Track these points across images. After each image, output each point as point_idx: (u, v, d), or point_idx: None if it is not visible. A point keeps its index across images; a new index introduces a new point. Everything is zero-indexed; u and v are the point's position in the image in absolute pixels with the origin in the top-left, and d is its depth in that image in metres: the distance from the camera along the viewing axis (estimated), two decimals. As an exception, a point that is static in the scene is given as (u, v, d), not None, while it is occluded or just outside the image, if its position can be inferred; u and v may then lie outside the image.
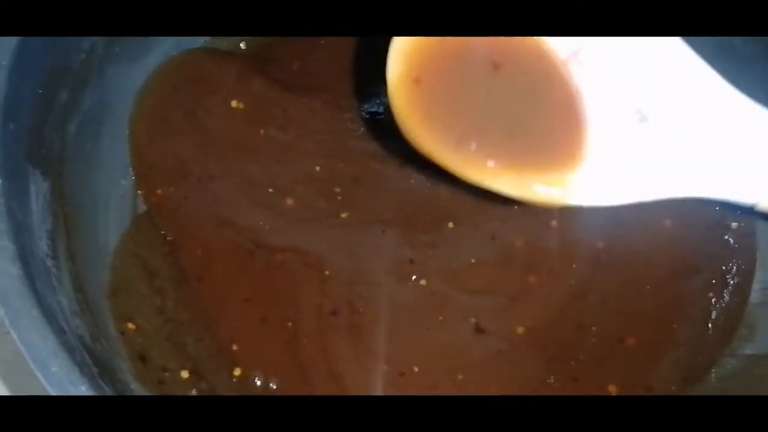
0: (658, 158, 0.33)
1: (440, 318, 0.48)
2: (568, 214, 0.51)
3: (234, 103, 0.53)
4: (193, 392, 0.45)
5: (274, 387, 0.46)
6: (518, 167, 0.34)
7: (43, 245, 0.41)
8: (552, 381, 0.46)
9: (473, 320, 0.47)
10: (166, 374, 0.45)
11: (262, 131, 0.53)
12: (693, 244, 0.51)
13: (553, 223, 0.51)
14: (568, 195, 0.34)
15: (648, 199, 0.34)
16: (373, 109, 0.54)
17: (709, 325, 0.49)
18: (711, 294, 0.49)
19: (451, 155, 0.35)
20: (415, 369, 0.46)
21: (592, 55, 0.32)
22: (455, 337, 0.47)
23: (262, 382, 0.46)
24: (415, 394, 0.45)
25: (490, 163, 0.34)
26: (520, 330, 0.47)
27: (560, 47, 0.32)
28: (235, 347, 0.47)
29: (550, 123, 0.33)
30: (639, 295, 0.49)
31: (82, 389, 0.34)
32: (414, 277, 0.48)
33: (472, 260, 0.49)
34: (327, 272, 0.49)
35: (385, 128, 0.54)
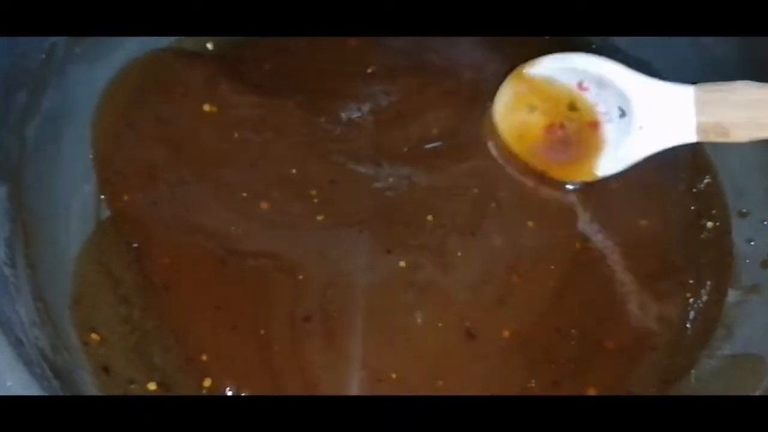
0: (633, 134, 0.48)
1: (432, 321, 0.46)
2: (543, 214, 0.51)
3: (206, 107, 0.52)
4: (161, 405, 0.44)
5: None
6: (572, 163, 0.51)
7: (0, 253, 0.39)
8: (533, 385, 0.45)
9: (467, 324, 0.46)
10: (132, 386, 0.44)
11: (235, 134, 0.51)
12: (669, 244, 0.51)
13: (530, 224, 0.50)
14: (597, 172, 0.50)
15: (632, 161, 0.48)
16: (348, 110, 0.53)
17: (687, 325, 0.48)
18: (688, 294, 0.49)
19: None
20: (393, 375, 0.45)
21: (590, 83, 0.49)
22: (441, 341, 0.46)
23: (233, 393, 0.44)
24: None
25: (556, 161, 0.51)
26: (506, 334, 0.46)
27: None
28: (204, 357, 0.45)
29: (587, 138, 0.50)
30: (617, 297, 0.49)
31: (42, 404, 0.32)
32: (395, 269, 0.47)
33: (459, 253, 0.48)
34: (301, 277, 0.47)
35: (360, 129, 0.53)
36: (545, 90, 0.49)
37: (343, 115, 0.53)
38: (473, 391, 0.45)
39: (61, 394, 0.36)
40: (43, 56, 0.45)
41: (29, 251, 0.42)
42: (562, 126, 0.50)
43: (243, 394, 0.44)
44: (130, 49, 0.52)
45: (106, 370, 0.43)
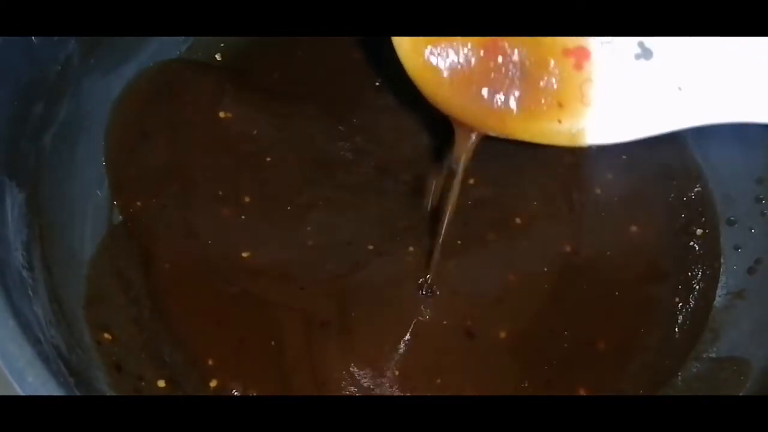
0: (667, 91, 0.32)
1: (436, 321, 0.48)
2: (529, 211, 0.52)
3: (222, 114, 0.54)
4: (170, 402, 0.45)
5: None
6: (536, 113, 0.34)
7: (18, 256, 0.41)
8: (526, 385, 0.47)
9: (468, 323, 0.48)
10: (143, 383, 0.45)
11: (255, 132, 0.53)
12: (659, 250, 0.52)
13: (517, 220, 0.52)
14: (584, 135, 0.34)
15: (664, 130, 0.34)
16: (365, 120, 0.55)
17: (676, 329, 0.50)
18: (677, 299, 0.51)
19: (475, 110, 0.35)
20: (396, 372, 0.46)
21: None
22: (443, 339, 0.47)
23: (240, 393, 0.46)
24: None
25: (510, 112, 0.34)
26: (503, 335, 0.48)
27: None
28: (210, 362, 0.47)
29: (560, 67, 0.33)
30: (608, 300, 0.50)
31: (59, 399, 0.34)
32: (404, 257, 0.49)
33: (459, 242, 0.49)
34: (306, 285, 0.49)
35: (377, 141, 0.54)
36: None
37: (361, 126, 0.55)
38: (469, 390, 0.47)
39: (76, 390, 0.37)
40: (59, 68, 0.47)
41: (45, 255, 0.44)
42: (512, 49, 0.31)
43: (250, 394, 0.46)
44: (141, 60, 0.54)
45: (117, 367, 0.45)
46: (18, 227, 0.42)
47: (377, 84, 0.57)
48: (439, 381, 0.47)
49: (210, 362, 0.47)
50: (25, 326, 0.36)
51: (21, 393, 0.34)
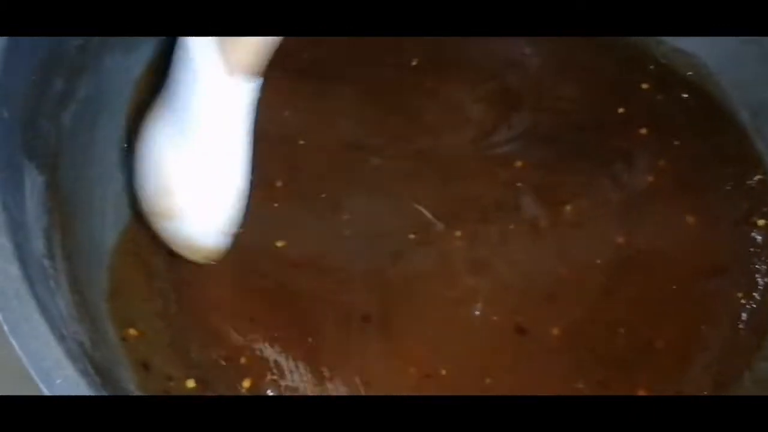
0: None
1: (485, 316, 0.45)
2: (580, 199, 0.50)
3: None
4: (201, 402, 0.42)
5: (289, 396, 0.43)
6: None
7: (39, 244, 0.38)
8: (581, 386, 0.44)
9: (519, 319, 0.45)
10: (171, 383, 0.43)
11: (281, 122, 0.50)
12: (718, 242, 0.49)
13: (567, 208, 0.49)
14: None
15: None
16: (404, 101, 0.52)
17: (740, 326, 0.47)
18: (740, 294, 0.48)
19: None
20: (443, 372, 0.44)
21: None
22: (493, 336, 0.45)
23: (276, 394, 0.43)
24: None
25: None
26: (556, 331, 0.45)
27: None
28: (243, 360, 0.44)
29: None
30: (665, 295, 0.47)
31: (89, 402, 0.31)
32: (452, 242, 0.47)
33: (511, 227, 0.48)
34: (345, 277, 0.46)
35: (417, 122, 0.52)
36: None
37: (397, 107, 0.52)
38: (520, 390, 0.44)
39: (102, 389, 0.34)
40: (79, 43, 0.44)
41: (66, 242, 0.41)
42: None
43: (285, 395, 0.43)
44: (164, 37, 0.51)
45: (144, 365, 0.42)
46: (38, 213, 0.39)
47: (414, 64, 0.54)
48: (488, 380, 0.44)
49: (242, 361, 0.44)
50: (51, 322, 0.33)
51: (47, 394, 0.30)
